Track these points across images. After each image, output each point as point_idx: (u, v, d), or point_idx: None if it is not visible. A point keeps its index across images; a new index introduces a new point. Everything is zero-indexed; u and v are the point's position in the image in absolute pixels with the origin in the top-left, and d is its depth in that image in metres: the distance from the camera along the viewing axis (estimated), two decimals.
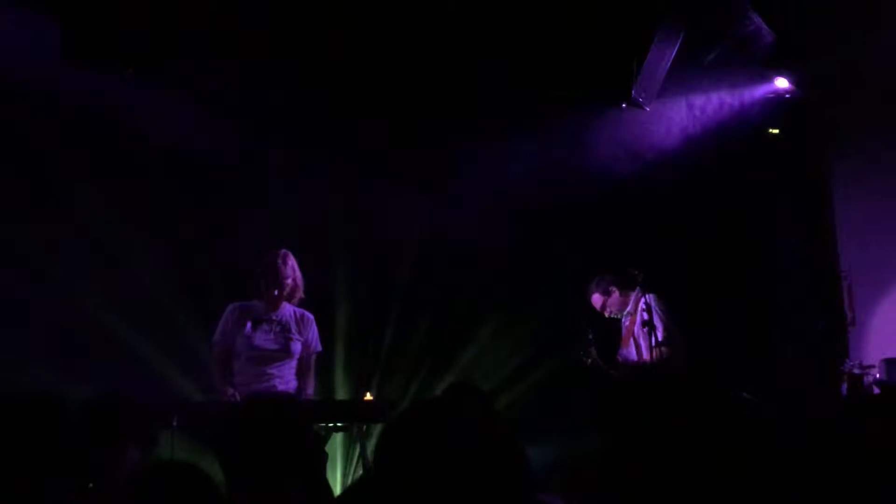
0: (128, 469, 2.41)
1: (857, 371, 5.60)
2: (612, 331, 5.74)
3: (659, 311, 5.41)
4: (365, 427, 4.68)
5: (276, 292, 4.49)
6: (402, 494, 1.32)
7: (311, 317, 4.65)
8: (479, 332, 6.24)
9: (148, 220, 5.45)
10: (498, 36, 5.67)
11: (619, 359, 5.65)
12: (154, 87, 5.24)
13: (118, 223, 5.34)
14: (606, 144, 6.25)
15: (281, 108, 5.73)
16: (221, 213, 5.66)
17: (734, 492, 1.40)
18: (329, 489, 2.81)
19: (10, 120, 5.13)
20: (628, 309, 5.59)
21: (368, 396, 4.92)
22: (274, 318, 4.54)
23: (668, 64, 5.72)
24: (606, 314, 5.67)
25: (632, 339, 5.54)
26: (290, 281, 4.53)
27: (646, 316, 5.28)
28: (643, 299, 5.35)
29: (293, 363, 4.55)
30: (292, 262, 4.59)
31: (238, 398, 4.32)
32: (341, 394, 5.85)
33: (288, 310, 4.58)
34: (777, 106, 6.55)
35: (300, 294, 4.61)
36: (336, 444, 5.61)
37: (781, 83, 6.43)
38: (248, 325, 4.49)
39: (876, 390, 5.46)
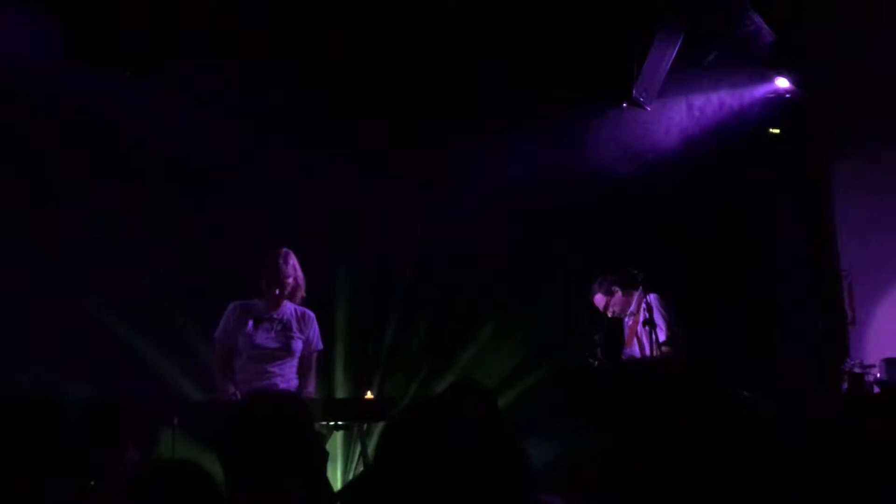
0: (128, 469, 2.41)
1: (857, 370, 5.60)
2: (615, 331, 5.74)
3: (662, 311, 5.41)
4: (366, 426, 4.68)
5: (276, 291, 4.49)
6: (402, 492, 1.32)
7: (313, 315, 4.65)
8: (479, 331, 6.24)
9: (148, 220, 5.45)
10: (498, 36, 5.67)
11: (624, 359, 5.65)
12: (154, 88, 5.24)
13: (118, 223, 5.33)
14: (606, 144, 6.25)
15: (281, 108, 5.73)
16: (221, 213, 5.65)
17: (734, 492, 1.40)
18: (330, 488, 2.81)
19: (10, 120, 5.13)
20: (631, 309, 5.59)
21: (369, 395, 4.92)
22: (275, 316, 4.54)
23: (669, 63, 5.72)
24: (609, 314, 5.67)
25: (635, 339, 5.53)
26: (290, 280, 4.53)
27: (646, 315, 5.28)
28: (645, 299, 5.35)
29: (294, 361, 4.56)
30: (293, 261, 4.59)
31: (239, 396, 4.32)
32: (342, 392, 5.86)
33: (289, 308, 4.59)
34: (777, 106, 6.55)
35: (302, 293, 4.61)
36: (336, 443, 5.61)
37: (782, 83, 6.43)
38: (250, 323, 4.49)
39: (876, 390, 5.46)
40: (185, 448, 3.94)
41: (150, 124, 5.35)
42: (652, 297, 5.41)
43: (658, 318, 5.37)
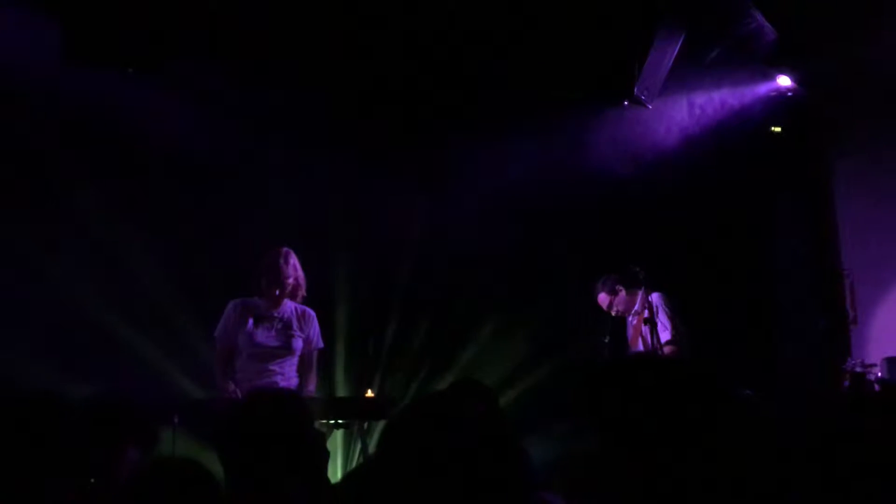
0: (128, 468, 2.41)
1: (858, 370, 5.59)
2: (619, 331, 5.74)
3: (666, 309, 5.41)
4: (366, 424, 4.68)
5: (277, 291, 4.50)
6: (402, 490, 1.32)
7: (313, 313, 4.66)
8: (479, 331, 6.24)
9: (148, 219, 5.45)
10: (498, 36, 5.67)
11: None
12: (154, 88, 5.24)
13: (118, 223, 5.33)
14: (606, 144, 6.24)
15: (281, 108, 5.73)
16: (221, 213, 5.65)
17: (734, 492, 1.40)
18: (330, 487, 2.81)
19: (10, 120, 5.13)
20: (636, 308, 5.57)
21: (370, 393, 4.92)
22: (276, 314, 4.54)
23: (671, 61, 5.71)
24: (613, 313, 5.67)
25: (640, 339, 5.52)
26: (291, 280, 4.53)
27: (647, 314, 5.27)
28: (648, 298, 5.34)
29: (295, 360, 4.56)
30: (294, 260, 4.59)
31: (239, 395, 4.32)
32: (342, 391, 5.86)
33: (289, 306, 4.59)
34: (779, 104, 6.54)
35: (302, 293, 4.62)
36: (336, 442, 5.61)
37: (783, 81, 6.42)
38: (250, 321, 4.49)
39: (877, 388, 5.46)
40: (186, 447, 3.94)
41: (150, 124, 5.36)
42: (655, 296, 5.41)
43: (662, 317, 5.36)
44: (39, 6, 4.88)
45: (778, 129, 6.64)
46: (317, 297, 4.86)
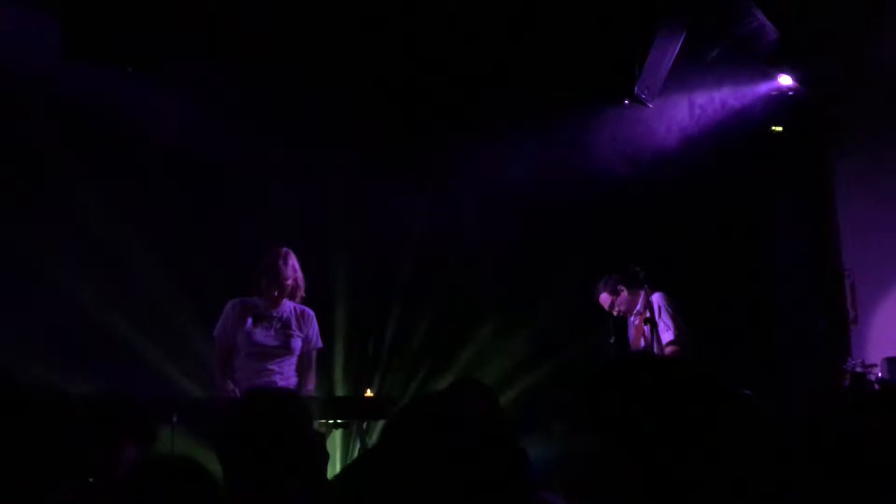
0: (127, 467, 2.40)
1: (859, 370, 5.59)
2: (620, 331, 5.73)
3: (669, 310, 5.40)
4: (365, 424, 4.68)
5: (276, 292, 4.49)
6: (401, 489, 1.32)
7: (312, 313, 4.65)
8: (479, 331, 6.24)
9: (147, 219, 5.45)
10: (498, 36, 5.67)
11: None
12: (154, 87, 5.24)
13: (118, 223, 5.33)
14: (607, 144, 6.24)
15: (281, 107, 5.73)
16: (221, 212, 5.66)
17: (734, 492, 1.40)
18: (330, 487, 2.80)
19: (9, 119, 5.13)
20: (637, 308, 5.56)
21: (369, 393, 4.92)
22: (275, 314, 4.54)
23: (672, 60, 5.71)
24: (615, 313, 5.66)
25: (642, 339, 5.51)
26: (290, 281, 4.52)
27: (647, 313, 5.27)
28: (650, 297, 5.34)
29: (293, 360, 4.56)
30: (293, 261, 4.58)
31: (238, 394, 4.32)
32: (342, 391, 5.85)
33: (289, 306, 4.59)
34: (779, 104, 6.54)
35: (301, 293, 4.61)
36: (336, 442, 5.61)
37: (784, 81, 6.41)
38: (249, 321, 4.49)
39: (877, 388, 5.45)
40: (185, 446, 3.93)
41: (150, 123, 5.36)
42: (657, 296, 5.40)
43: (665, 317, 5.36)
44: (39, 4, 4.87)
45: (779, 129, 6.63)
46: (316, 296, 4.86)
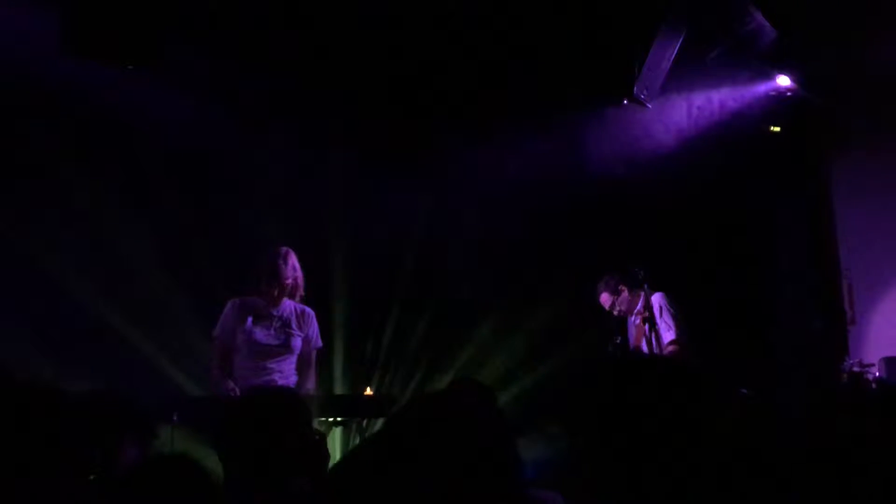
0: (126, 465, 2.41)
1: (857, 370, 5.60)
2: (622, 331, 5.74)
3: (671, 309, 5.40)
4: (365, 422, 4.68)
5: (276, 291, 4.49)
6: (399, 488, 1.32)
7: (312, 312, 4.65)
8: (479, 331, 6.24)
9: (147, 218, 5.45)
10: (498, 36, 5.67)
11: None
12: (153, 85, 5.24)
13: (117, 221, 5.33)
14: (607, 144, 6.24)
15: (281, 107, 5.73)
16: (221, 211, 5.65)
17: (734, 492, 1.40)
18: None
19: (9, 119, 5.12)
20: (638, 308, 5.57)
21: (368, 392, 4.92)
22: (275, 313, 4.54)
23: (671, 61, 5.71)
24: (616, 313, 5.66)
25: (644, 339, 5.52)
26: (290, 280, 4.52)
27: (646, 313, 5.28)
28: (650, 297, 5.35)
29: (293, 359, 4.56)
30: (293, 260, 4.58)
31: (238, 393, 4.32)
32: (341, 389, 5.86)
33: (289, 305, 4.59)
34: (778, 104, 6.54)
35: (301, 292, 4.61)
36: (335, 440, 5.61)
37: (783, 81, 6.42)
38: (249, 320, 4.49)
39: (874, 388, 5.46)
40: (185, 444, 3.93)
41: (149, 122, 5.35)
42: (658, 296, 5.40)
43: (667, 317, 5.36)
44: (38, 2, 4.87)
45: (777, 129, 6.64)
46: (316, 295, 4.86)
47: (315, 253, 5.15)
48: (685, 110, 6.44)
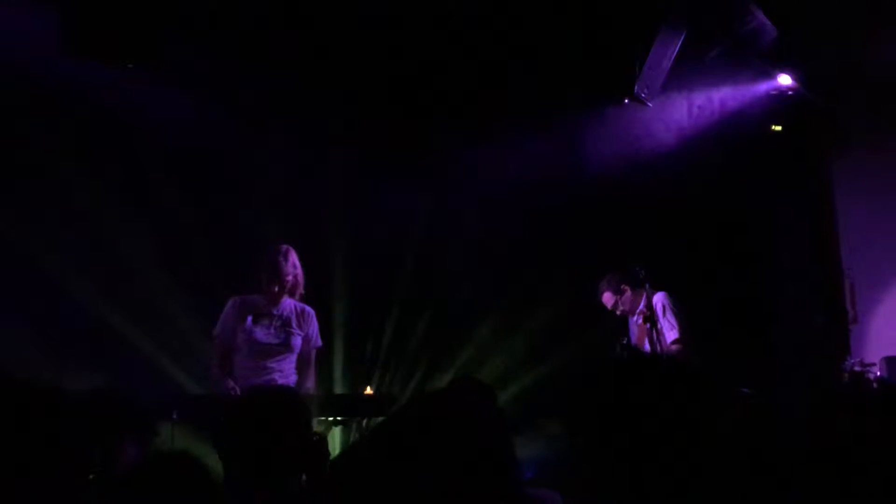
0: (126, 463, 2.41)
1: (858, 369, 5.59)
2: (625, 331, 5.74)
3: (674, 308, 5.40)
4: (365, 421, 4.68)
5: (276, 288, 4.49)
6: (397, 487, 1.32)
7: (312, 311, 4.65)
8: (479, 330, 6.24)
9: (147, 217, 5.45)
10: (498, 35, 5.67)
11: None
12: (154, 86, 5.24)
13: (117, 220, 5.34)
14: (607, 143, 6.24)
15: (281, 107, 5.73)
16: (221, 211, 5.66)
17: (735, 492, 1.40)
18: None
19: (9, 119, 5.12)
20: (640, 307, 5.56)
21: (368, 391, 4.92)
22: (275, 312, 4.54)
23: (671, 60, 5.71)
24: (618, 313, 5.66)
25: (646, 338, 5.51)
26: (290, 278, 4.53)
27: (646, 312, 5.27)
28: (652, 297, 5.34)
29: (293, 358, 4.56)
30: (293, 258, 4.59)
31: (238, 392, 4.32)
32: (341, 388, 5.86)
33: (289, 304, 4.59)
34: (779, 103, 6.54)
35: (300, 290, 4.61)
36: (335, 439, 5.61)
37: (784, 80, 6.41)
38: (249, 319, 4.49)
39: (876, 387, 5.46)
40: (185, 443, 3.94)
41: (149, 121, 5.36)
42: (661, 296, 5.40)
43: (670, 316, 5.36)
44: (37, 1, 4.87)
45: (778, 128, 6.63)
46: (316, 294, 4.86)
47: (315, 253, 5.15)
48: (686, 109, 6.44)
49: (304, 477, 2.30)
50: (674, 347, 5.31)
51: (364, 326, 6.10)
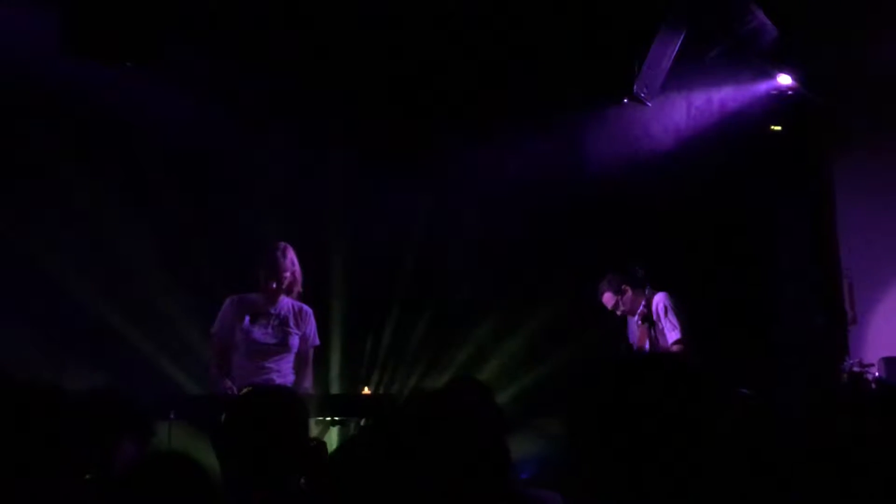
0: (124, 463, 2.40)
1: (857, 369, 5.59)
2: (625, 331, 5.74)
3: (675, 309, 5.40)
4: (363, 421, 4.67)
5: (274, 285, 4.50)
6: (396, 485, 1.32)
7: (310, 311, 4.65)
8: (478, 329, 6.24)
9: (146, 216, 5.45)
10: (498, 35, 5.67)
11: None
12: (154, 85, 5.24)
13: (117, 220, 5.34)
14: (607, 143, 6.24)
15: (281, 107, 5.73)
16: (221, 211, 5.66)
17: (735, 492, 1.40)
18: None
19: (9, 119, 5.12)
20: (640, 308, 5.56)
21: (366, 391, 4.92)
22: (272, 311, 4.54)
23: (671, 59, 5.70)
24: (618, 313, 5.66)
25: (647, 339, 5.51)
26: (288, 274, 4.53)
27: (645, 311, 5.27)
28: (652, 297, 5.34)
29: (291, 357, 4.56)
30: (292, 255, 4.59)
31: (235, 391, 4.32)
32: (339, 388, 5.86)
33: (286, 303, 4.59)
34: (779, 103, 6.54)
35: (298, 288, 4.61)
36: (333, 439, 5.61)
37: (784, 80, 6.41)
38: (247, 318, 4.50)
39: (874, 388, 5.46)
40: (182, 442, 3.94)
41: (149, 121, 5.36)
42: (662, 296, 5.40)
43: (671, 317, 5.35)
44: (37, 1, 4.87)
45: (778, 128, 6.63)
46: (315, 294, 4.86)
47: (315, 253, 5.14)
48: (685, 109, 6.43)
49: (302, 479, 2.29)
50: (675, 348, 5.31)
51: (363, 326, 6.10)
